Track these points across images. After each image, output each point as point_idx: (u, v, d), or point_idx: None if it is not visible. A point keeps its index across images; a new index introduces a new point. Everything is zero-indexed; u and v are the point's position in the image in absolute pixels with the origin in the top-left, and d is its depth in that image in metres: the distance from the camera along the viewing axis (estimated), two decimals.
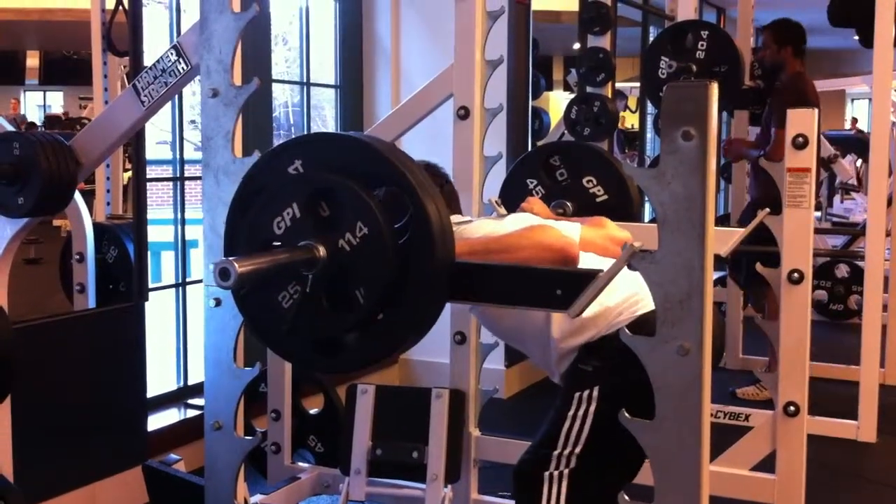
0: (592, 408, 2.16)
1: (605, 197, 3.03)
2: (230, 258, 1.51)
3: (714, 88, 1.51)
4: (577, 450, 2.16)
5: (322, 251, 1.61)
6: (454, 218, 2.29)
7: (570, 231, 2.33)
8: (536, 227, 2.18)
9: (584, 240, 2.31)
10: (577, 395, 2.18)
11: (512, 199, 2.91)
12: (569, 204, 3.02)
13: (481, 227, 2.30)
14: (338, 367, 1.80)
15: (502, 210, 2.78)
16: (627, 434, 2.06)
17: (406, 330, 1.67)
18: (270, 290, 1.66)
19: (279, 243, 1.64)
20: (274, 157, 1.71)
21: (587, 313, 2.18)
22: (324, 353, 1.73)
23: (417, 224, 1.59)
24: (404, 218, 1.60)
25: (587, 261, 2.22)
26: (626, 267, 2.25)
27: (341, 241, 1.60)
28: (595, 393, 2.16)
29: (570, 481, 2.16)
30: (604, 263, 2.29)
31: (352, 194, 1.59)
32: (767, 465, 2.91)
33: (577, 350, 2.23)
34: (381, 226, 1.59)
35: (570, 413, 2.18)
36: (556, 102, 9.83)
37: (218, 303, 2.00)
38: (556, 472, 2.17)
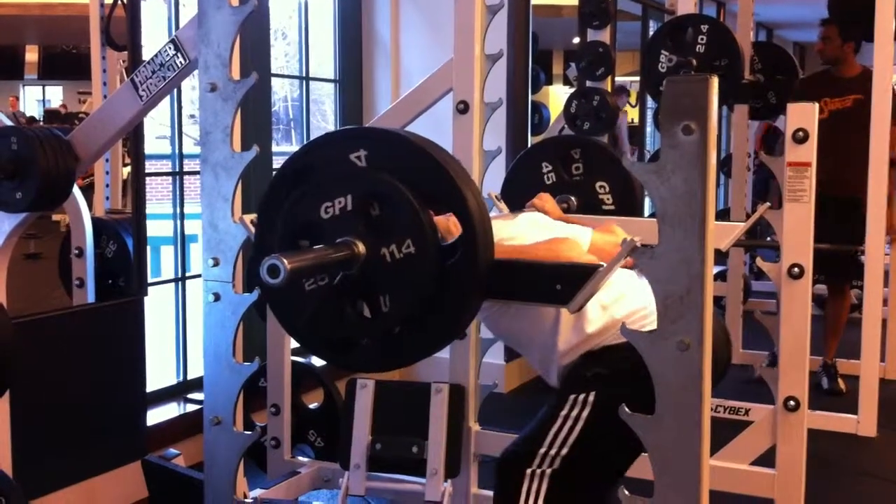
0: (585, 413, 2.15)
1: (612, 207, 3.03)
2: (280, 254, 1.48)
3: (714, 83, 1.51)
4: (563, 452, 2.15)
5: (362, 251, 1.60)
6: None
7: (582, 238, 2.33)
8: (561, 241, 2.16)
9: (595, 245, 2.31)
10: (572, 396, 2.18)
11: (522, 179, 2.88)
12: (573, 199, 3.01)
13: (496, 228, 2.26)
14: (345, 364, 1.80)
15: (502, 205, 2.77)
16: (614, 444, 2.07)
17: (417, 351, 1.68)
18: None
19: (319, 226, 1.62)
20: (338, 140, 1.69)
21: (595, 324, 2.19)
22: (335, 349, 1.72)
23: (464, 258, 1.59)
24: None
25: None
26: (635, 278, 2.26)
27: (385, 249, 1.59)
28: (591, 398, 2.15)
29: (550, 482, 2.15)
30: (628, 282, 2.29)
31: (410, 209, 1.58)
32: (767, 459, 2.91)
33: (578, 357, 2.22)
34: (428, 250, 1.57)
35: (563, 413, 2.17)
36: (556, 97, 9.80)
37: (217, 298, 2.00)
38: (538, 471, 2.16)
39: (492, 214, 2.43)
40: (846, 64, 4.85)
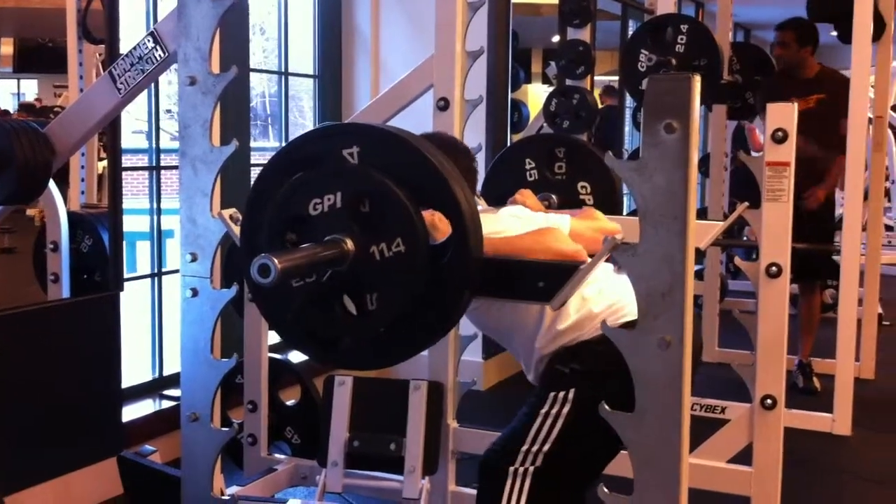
0: (565, 410, 2.17)
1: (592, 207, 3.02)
2: (271, 255, 1.47)
3: (697, 81, 1.51)
4: (545, 448, 2.17)
5: (351, 249, 1.59)
6: None
7: (561, 225, 2.33)
8: (546, 231, 2.17)
9: (574, 232, 2.32)
10: (552, 394, 2.19)
11: (504, 174, 2.87)
12: (554, 198, 3.00)
13: (483, 222, 2.25)
14: (331, 362, 1.79)
15: (483, 203, 2.76)
16: (595, 440, 2.08)
17: (404, 349, 1.67)
18: None
19: (307, 222, 1.61)
20: (333, 135, 1.68)
21: (572, 319, 2.20)
22: (321, 346, 1.71)
23: (455, 257, 1.58)
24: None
25: None
26: (612, 272, 2.27)
27: (374, 247, 1.58)
28: (570, 395, 2.17)
29: (533, 480, 2.17)
30: (605, 275, 2.30)
31: (402, 209, 1.57)
32: (744, 457, 2.92)
33: (557, 350, 2.23)
34: (419, 249, 1.56)
35: (543, 411, 2.19)
36: (535, 95, 9.81)
37: (195, 293, 1.99)
38: (521, 469, 2.17)
39: (480, 209, 2.43)
40: (805, 66, 4.91)
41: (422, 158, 1.61)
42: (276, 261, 1.45)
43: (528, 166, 3.07)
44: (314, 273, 1.62)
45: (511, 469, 2.17)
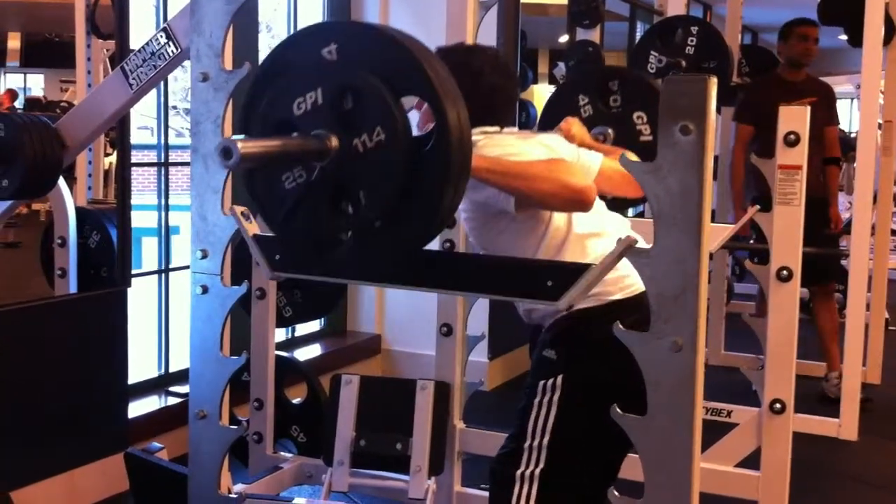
0: (557, 396, 2.13)
1: (650, 138, 2.92)
2: (234, 137, 1.47)
3: (713, 83, 1.50)
4: (545, 441, 2.13)
5: (335, 145, 1.58)
6: (484, 128, 2.20)
7: (592, 163, 2.27)
8: (559, 162, 2.10)
9: (604, 172, 2.25)
10: (541, 383, 2.16)
11: (557, 110, 2.79)
12: (610, 131, 2.90)
13: (504, 143, 2.19)
14: (326, 266, 1.77)
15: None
16: (590, 424, 2.06)
17: (398, 243, 1.65)
18: (276, 168, 1.65)
19: (294, 125, 1.61)
20: (310, 36, 1.67)
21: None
22: (316, 248, 1.71)
23: (438, 138, 1.55)
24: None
25: (595, 220, 2.19)
26: (623, 223, 2.23)
27: (357, 140, 1.57)
28: (559, 381, 2.14)
29: (540, 482, 2.14)
30: (610, 220, 2.26)
31: (379, 98, 1.55)
32: (751, 461, 2.91)
33: (554, 314, 2.19)
34: (398, 136, 1.55)
35: (536, 401, 2.16)
36: (542, 96, 9.81)
37: (205, 290, 1.98)
38: (527, 472, 2.14)
39: (507, 131, 2.31)
40: (805, 68, 4.87)
41: (397, 46, 1.59)
42: (239, 145, 1.45)
43: (581, 102, 2.97)
44: (303, 171, 1.62)
45: (518, 473, 2.14)
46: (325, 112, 1.59)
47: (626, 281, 2.12)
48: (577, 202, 2.01)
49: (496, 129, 2.25)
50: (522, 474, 2.15)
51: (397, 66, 1.57)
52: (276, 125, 1.63)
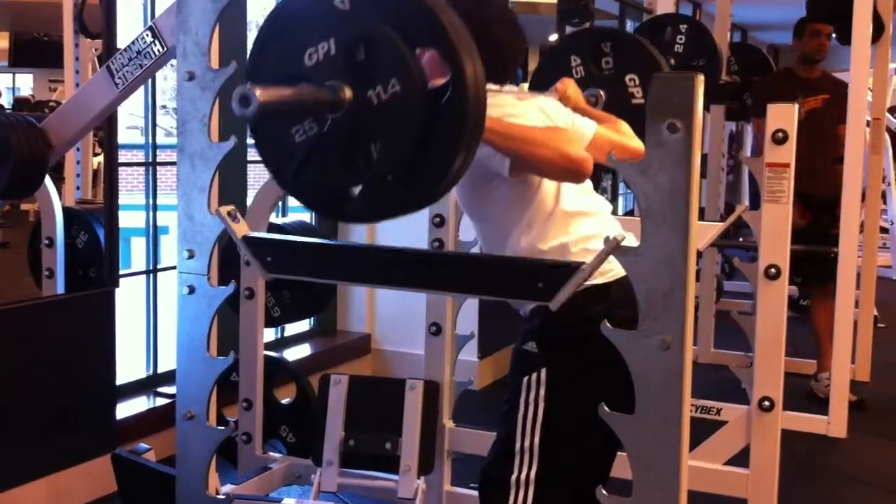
0: (543, 391, 2.09)
1: (642, 101, 2.88)
2: (252, 84, 1.45)
3: (700, 81, 1.50)
4: (537, 439, 2.09)
5: (349, 96, 1.56)
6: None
7: (586, 130, 2.24)
8: (560, 130, 2.09)
9: (596, 141, 2.23)
10: (525, 380, 2.12)
11: (549, 70, 2.76)
12: (602, 93, 2.87)
13: (504, 103, 2.14)
14: (339, 217, 1.75)
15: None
16: (580, 415, 2.04)
17: (409, 197, 1.62)
18: (286, 121, 1.62)
19: (306, 77, 1.58)
20: None
21: (549, 244, 2.12)
22: (327, 200, 1.69)
23: (454, 93, 1.52)
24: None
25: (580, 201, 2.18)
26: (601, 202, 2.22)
27: (371, 91, 1.54)
28: (543, 375, 2.10)
29: (536, 486, 2.09)
30: (597, 202, 2.24)
31: (393, 49, 1.52)
32: (740, 459, 2.91)
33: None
34: (414, 89, 1.52)
35: (522, 399, 2.11)
36: None
37: (192, 290, 1.97)
38: (522, 476, 2.09)
39: (507, 89, 2.23)
40: (818, 65, 4.88)
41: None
42: (257, 92, 1.43)
43: (573, 63, 2.93)
44: (314, 123, 1.60)
45: (512, 479, 2.09)
46: (338, 63, 1.56)
47: (606, 266, 2.11)
48: (574, 172, 1.99)
49: (497, 87, 2.19)
50: (517, 479, 2.09)
51: (412, 17, 1.54)
52: (285, 77, 1.59)
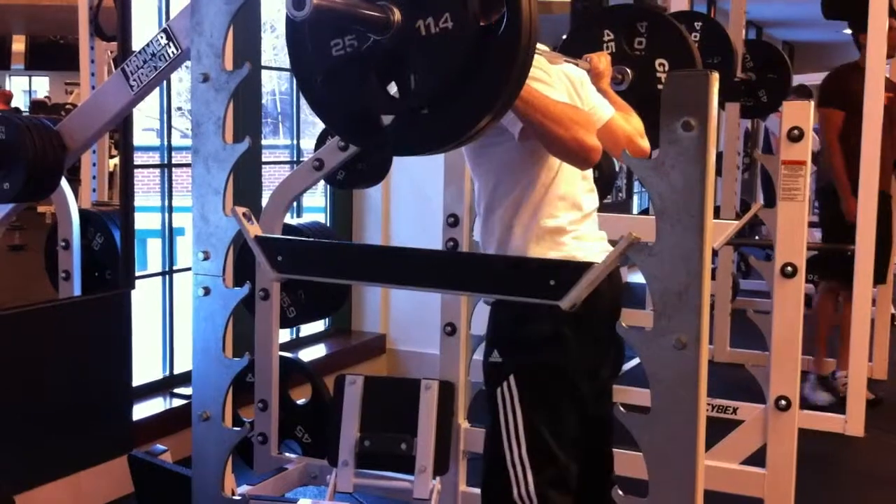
0: (516, 399, 2.11)
1: None
2: None
3: (715, 78, 1.49)
4: (524, 449, 2.09)
5: (398, 19, 1.53)
6: None
7: (605, 114, 2.24)
8: (583, 114, 2.06)
9: (610, 126, 2.23)
10: (498, 391, 2.13)
11: (581, 44, 2.72)
12: (630, 72, 2.83)
13: (535, 64, 2.02)
14: (362, 144, 1.70)
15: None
16: (562, 415, 2.08)
17: (450, 130, 1.59)
18: (327, 31, 1.59)
19: None
20: None
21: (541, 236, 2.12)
22: (354, 123, 1.67)
23: (509, 24, 1.49)
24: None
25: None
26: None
27: (421, 21, 1.52)
28: (512, 383, 2.11)
29: (538, 496, 2.08)
30: (592, 198, 2.23)
31: None
32: (757, 459, 2.90)
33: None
34: (467, 28, 1.49)
35: (500, 411, 2.13)
36: None
37: (207, 292, 1.97)
38: (523, 492, 2.09)
39: (540, 49, 2.12)
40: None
41: None
42: None
43: (606, 38, 2.89)
44: (354, 39, 1.57)
45: (515, 496, 2.09)
46: None
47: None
48: (581, 159, 2.00)
49: None
50: (520, 495, 2.10)
51: None
52: None
